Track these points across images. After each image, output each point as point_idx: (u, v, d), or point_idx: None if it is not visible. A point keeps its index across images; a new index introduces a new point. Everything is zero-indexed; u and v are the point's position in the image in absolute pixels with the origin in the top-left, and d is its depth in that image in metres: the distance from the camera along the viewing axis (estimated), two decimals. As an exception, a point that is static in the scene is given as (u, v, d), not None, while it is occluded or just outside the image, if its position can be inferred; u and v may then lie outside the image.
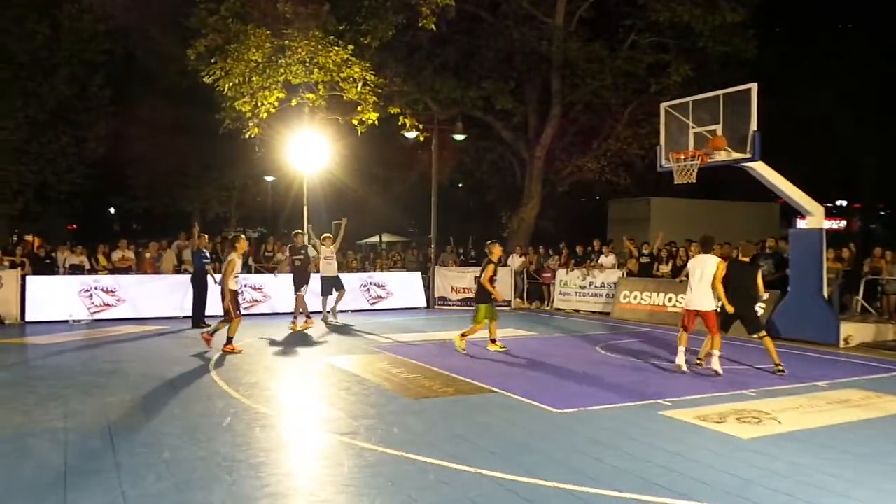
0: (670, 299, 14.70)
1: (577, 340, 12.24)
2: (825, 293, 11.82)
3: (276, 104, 15.74)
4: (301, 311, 13.33)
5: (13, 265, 14.88)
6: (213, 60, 15.42)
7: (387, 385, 8.00)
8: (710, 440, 5.77)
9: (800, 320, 11.79)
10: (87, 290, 14.49)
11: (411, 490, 4.60)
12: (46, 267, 15.60)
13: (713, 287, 8.66)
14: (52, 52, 20.18)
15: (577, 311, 16.86)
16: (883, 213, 43.12)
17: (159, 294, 14.84)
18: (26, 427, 6.12)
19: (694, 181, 12.44)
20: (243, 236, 10.89)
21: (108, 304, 14.56)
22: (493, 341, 10.63)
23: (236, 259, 10.10)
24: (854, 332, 11.46)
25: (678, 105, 13.05)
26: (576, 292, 17.19)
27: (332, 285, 14.23)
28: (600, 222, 24.89)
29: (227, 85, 15.29)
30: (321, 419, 6.56)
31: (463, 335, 10.42)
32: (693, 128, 12.53)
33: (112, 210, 35.18)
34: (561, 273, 17.60)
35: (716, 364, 8.59)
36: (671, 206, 22.35)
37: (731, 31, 18.74)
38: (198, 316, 13.29)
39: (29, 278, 14.41)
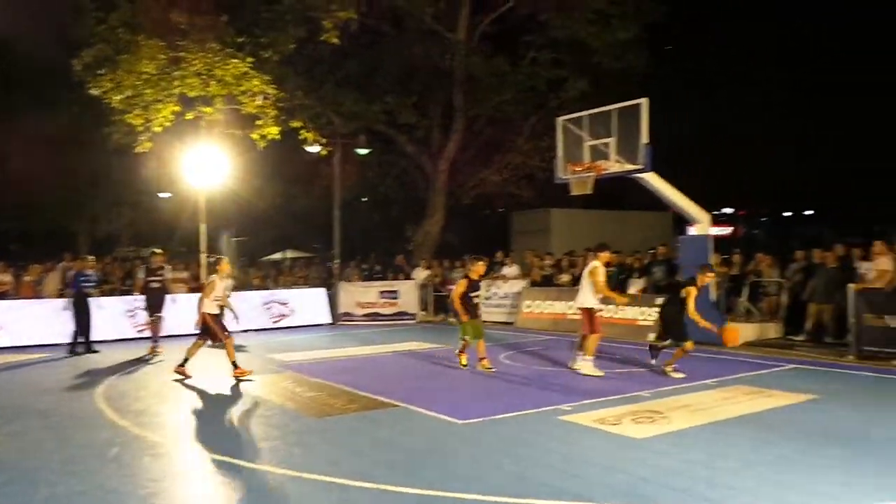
0: (571, 307, 15.06)
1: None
2: (713, 296, 12.44)
3: (171, 118, 15.17)
4: (154, 336, 12.31)
5: None
6: (101, 72, 14.71)
7: (290, 405, 7.79)
8: (607, 442, 5.93)
9: (690, 322, 12.33)
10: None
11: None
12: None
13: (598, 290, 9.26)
14: None
15: (483, 321, 16.99)
16: (764, 219, 46.16)
17: (40, 320, 13.78)
18: None
19: (590, 192, 12.86)
20: (225, 258, 10.11)
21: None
22: (481, 359, 9.87)
23: (217, 280, 9.54)
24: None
25: (574, 119, 13.49)
26: (481, 303, 17.33)
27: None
28: (504, 234, 25.33)
29: (116, 97, 14.62)
30: (218, 444, 6.29)
31: (481, 359, 9.81)
32: (588, 141, 12.98)
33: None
34: (466, 285, 17.71)
35: (580, 365, 9.26)
36: (571, 217, 23.00)
37: (625, 47, 19.57)
38: (78, 343, 12.25)
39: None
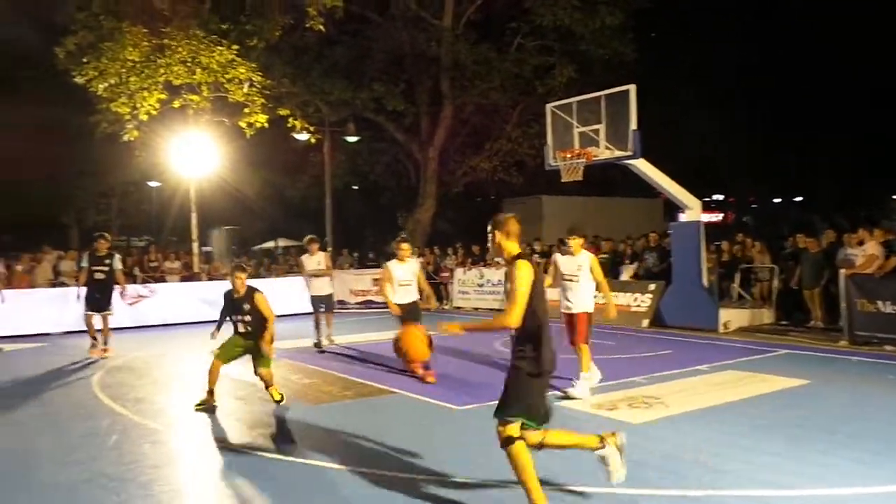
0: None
1: (477, 337, 12.37)
2: (705, 282, 12.53)
3: (157, 106, 15.04)
4: (93, 334, 10.79)
5: None
6: (84, 60, 14.54)
7: (285, 391, 7.77)
8: (604, 427, 5.96)
9: (683, 308, 12.46)
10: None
11: (309, 497, 4.49)
12: None
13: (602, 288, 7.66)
14: None
15: (476, 308, 17.08)
16: (754, 206, 46.42)
17: (32, 309, 13.72)
18: None
19: (581, 179, 12.87)
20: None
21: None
22: None
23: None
24: (732, 317, 12.21)
25: (563, 105, 13.47)
26: (474, 290, 17.41)
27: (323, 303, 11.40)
28: (494, 222, 25.29)
29: (101, 86, 14.47)
30: (216, 431, 6.29)
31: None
32: (577, 127, 12.97)
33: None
34: (458, 272, 17.78)
35: (579, 391, 7.14)
36: (562, 204, 23.07)
37: (611, 34, 19.57)
38: None
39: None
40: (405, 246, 8.92)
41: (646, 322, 12.91)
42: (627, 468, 4.34)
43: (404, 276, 8.71)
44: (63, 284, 14.68)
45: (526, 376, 4.12)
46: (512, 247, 4.24)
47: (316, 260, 11.25)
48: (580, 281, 7.39)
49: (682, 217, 13.61)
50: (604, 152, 12.54)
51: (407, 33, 19.74)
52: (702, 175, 29.18)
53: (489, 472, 4.81)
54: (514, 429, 4.02)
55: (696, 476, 4.71)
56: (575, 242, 7.53)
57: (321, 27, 15.81)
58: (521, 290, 3.96)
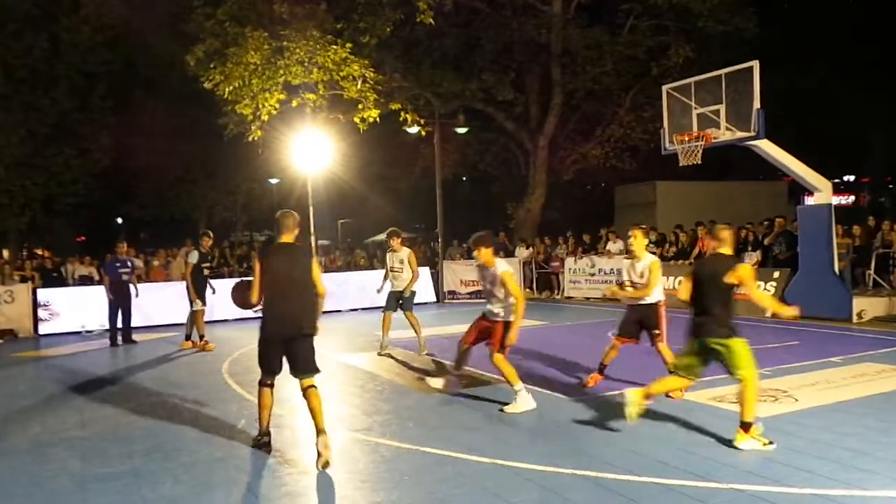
0: (679, 282, 14.62)
1: (589, 327, 12.20)
2: (836, 269, 11.73)
3: (277, 106, 15.73)
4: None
5: (23, 279, 14.96)
6: (212, 65, 15.43)
7: (399, 381, 8.00)
8: (727, 420, 5.72)
9: (812, 297, 11.69)
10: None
11: (429, 483, 4.60)
12: (56, 279, 15.68)
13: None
14: (51, 65, 20.21)
15: (588, 298, 16.82)
16: (891, 186, 42.78)
17: (168, 301, 14.79)
18: (44, 436, 6.15)
19: (699, 162, 12.37)
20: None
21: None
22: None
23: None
24: (867, 306, 11.39)
25: (680, 87, 12.99)
26: (585, 280, 17.15)
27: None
28: (606, 209, 24.78)
29: (227, 89, 15.30)
30: (335, 417, 6.54)
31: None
32: (696, 109, 12.47)
33: (119, 220, 35.30)
34: (569, 262, 17.55)
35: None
36: (677, 189, 22.21)
37: (730, 9, 18.59)
38: (116, 333, 11.98)
39: (40, 291, 14.45)
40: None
41: (769, 312, 12.24)
42: (755, 463, 4.15)
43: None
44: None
45: None
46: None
47: (399, 258, 9.79)
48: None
49: (811, 200, 12.78)
50: (724, 134, 11.98)
51: (516, 21, 19.57)
52: (832, 154, 27.25)
53: (614, 465, 4.75)
54: None
55: (833, 474, 4.42)
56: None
57: (431, 20, 15.99)
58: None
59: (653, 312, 6.94)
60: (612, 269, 16.54)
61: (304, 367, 5.28)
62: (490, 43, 20.16)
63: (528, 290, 17.99)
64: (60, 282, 15.64)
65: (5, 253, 21.26)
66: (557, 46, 19.53)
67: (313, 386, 5.25)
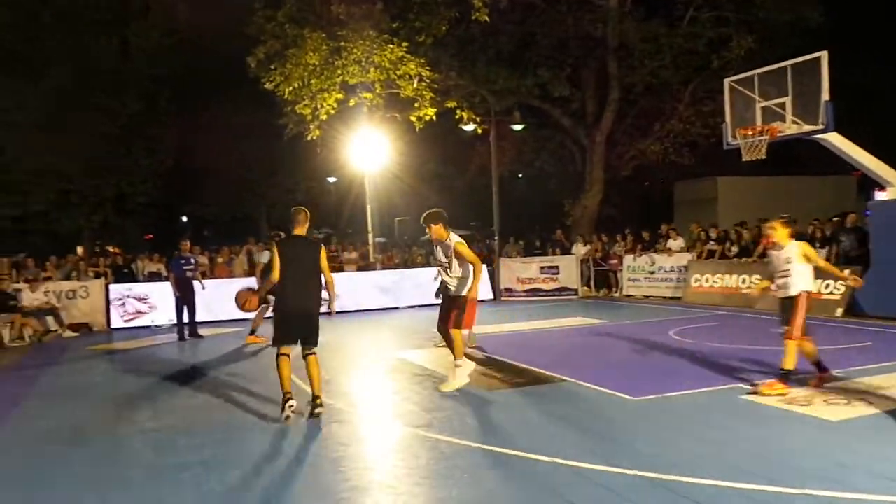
0: (744, 280, 14.27)
1: (649, 326, 12.01)
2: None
3: (335, 105, 15.97)
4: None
5: (97, 275, 15.60)
6: (272, 67, 15.76)
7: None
8: (798, 423, 5.57)
9: (885, 296, 11.26)
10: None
11: (489, 481, 4.61)
12: (126, 276, 16.29)
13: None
14: (120, 69, 20.98)
15: (647, 296, 16.55)
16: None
17: (233, 297, 15.12)
18: (120, 427, 6.41)
19: (763, 157, 12.04)
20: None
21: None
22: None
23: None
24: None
25: (743, 80, 12.69)
26: (645, 278, 16.87)
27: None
28: (666, 205, 24.32)
29: (287, 89, 15.62)
30: (396, 413, 6.63)
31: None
32: (760, 102, 12.15)
33: (184, 218, 36.44)
34: (628, 259, 17.29)
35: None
36: (739, 185, 21.67)
37: (795, -3, 18.02)
38: (183, 328, 12.52)
39: (112, 287, 15.05)
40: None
41: (839, 311, 11.84)
42: (826, 468, 4.02)
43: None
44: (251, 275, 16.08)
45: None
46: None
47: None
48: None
49: (882, 195, 12.27)
50: (790, 127, 11.63)
51: (572, 17, 19.36)
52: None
53: (680, 467, 4.67)
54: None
55: (909, 482, 4.26)
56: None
57: (486, 17, 15.97)
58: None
59: (792, 304, 6.54)
60: (672, 267, 16.25)
61: (308, 340, 6.39)
62: (545, 39, 19.99)
63: (585, 287, 17.80)
64: (131, 278, 16.23)
65: (79, 250, 22.19)
66: (614, 41, 19.24)
67: (313, 353, 6.37)
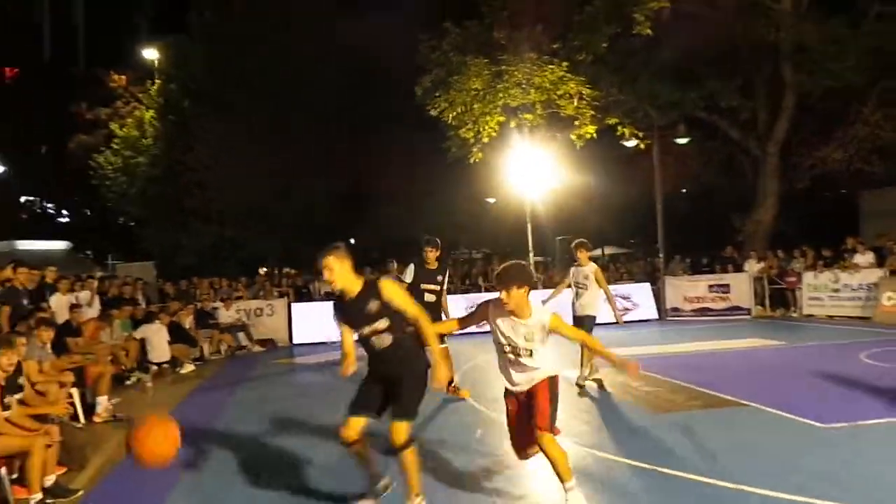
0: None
1: (836, 348, 11.13)
2: None
3: (497, 128, 16.37)
4: None
5: (281, 295, 17.00)
6: (437, 94, 16.47)
7: (629, 398, 7.93)
8: None
9: None
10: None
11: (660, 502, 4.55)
12: (304, 295, 17.59)
13: None
14: (297, 100, 22.94)
15: (831, 316, 15.30)
16: None
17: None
18: (299, 444, 6.93)
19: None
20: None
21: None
22: None
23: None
24: None
25: (944, 78, 11.48)
26: (828, 296, 15.62)
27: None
28: (847, 218, 22.38)
29: (451, 115, 16.24)
30: (566, 432, 6.61)
31: None
32: (966, 102, 10.94)
33: (353, 241, 38.52)
34: (808, 276, 16.10)
35: None
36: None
37: None
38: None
39: (294, 305, 16.33)
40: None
41: None
42: None
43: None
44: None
45: None
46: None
47: (583, 273, 8.61)
48: None
49: None
50: None
51: (741, 23, 18.47)
52: None
53: (866, 497, 4.37)
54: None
55: None
56: None
57: (649, 31, 15.70)
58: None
59: None
60: (860, 285, 14.95)
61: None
62: (711, 48, 19.21)
63: (759, 307, 16.77)
64: (308, 297, 17.51)
65: (261, 271, 24.23)
66: (788, 45, 18.11)
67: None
